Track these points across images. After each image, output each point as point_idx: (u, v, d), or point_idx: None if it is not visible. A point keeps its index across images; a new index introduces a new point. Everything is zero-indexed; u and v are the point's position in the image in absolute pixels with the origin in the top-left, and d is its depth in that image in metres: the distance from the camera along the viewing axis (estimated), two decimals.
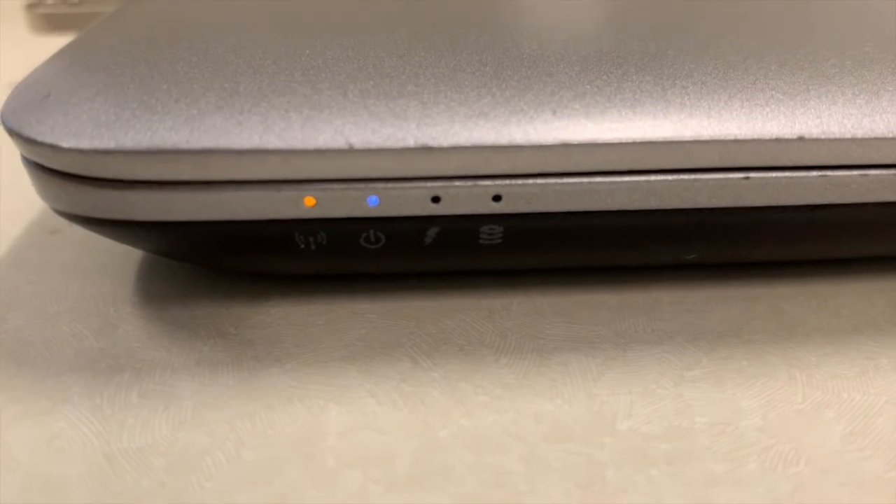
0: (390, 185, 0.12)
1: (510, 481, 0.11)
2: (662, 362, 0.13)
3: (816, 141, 0.12)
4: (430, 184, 0.12)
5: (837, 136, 0.13)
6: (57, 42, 0.14)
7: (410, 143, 0.12)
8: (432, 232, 0.13)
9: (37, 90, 0.13)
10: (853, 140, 0.13)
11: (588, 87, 0.13)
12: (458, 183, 0.12)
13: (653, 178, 0.13)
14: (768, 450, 0.12)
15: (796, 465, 0.12)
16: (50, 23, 0.28)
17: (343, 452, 0.12)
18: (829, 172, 0.13)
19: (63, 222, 0.17)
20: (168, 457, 0.12)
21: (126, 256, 0.16)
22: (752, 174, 0.13)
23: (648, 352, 0.13)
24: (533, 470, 0.11)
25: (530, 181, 0.12)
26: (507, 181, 0.12)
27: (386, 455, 0.12)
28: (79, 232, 0.16)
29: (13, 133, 0.12)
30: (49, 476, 0.11)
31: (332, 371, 0.13)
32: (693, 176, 0.13)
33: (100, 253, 0.16)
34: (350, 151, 0.12)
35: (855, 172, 0.13)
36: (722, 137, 0.12)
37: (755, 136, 0.12)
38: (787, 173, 0.13)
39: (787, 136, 0.12)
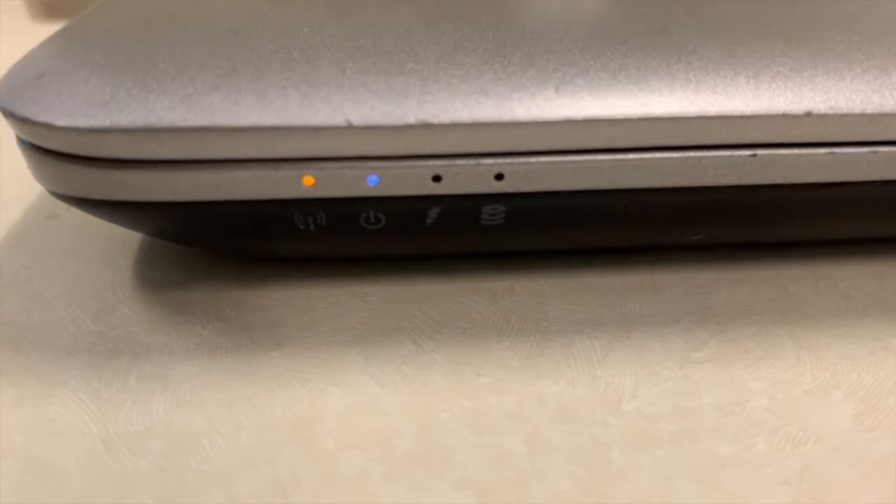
0: (390, 163, 0.12)
1: (513, 462, 0.11)
2: (668, 344, 0.13)
3: (824, 117, 0.12)
4: (430, 162, 0.12)
5: (846, 111, 0.12)
6: (56, 30, 0.14)
7: (410, 119, 0.12)
8: (433, 212, 0.13)
9: (31, 71, 0.13)
10: (862, 116, 0.12)
11: (592, 63, 0.12)
12: (459, 161, 0.12)
13: (658, 155, 0.12)
14: (776, 430, 0.12)
15: (805, 445, 0.11)
16: (49, 11, 0.28)
17: (343, 435, 0.12)
18: (837, 150, 0.13)
19: (61, 207, 0.16)
20: (166, 439, 0.11)
21: (125, 240, 0.15)
22: (759, 151, 0.12)
23: (653, 333, 0.13)
24: (536, 451, 0.11)
25: (533, 159, 0.12)
26: (509, 159, 0.12)
27: (387, 437, 0.12)
28: (77, 217, 0.16)
29: (7, 113, 0.12)
30: (46, 460, 0.11)
31: (333, 354, 0.13)
32: (699, 153, 0.12)
33: (98, 237, 0.16)
34: (349, 129, 0.12)
35: (864, 149, 0.13)
36: (728, 113, 0.12)
37: (762, 112, 0.12)
38: (795, 150, 0.13)
39: (794, 112, 0.12)
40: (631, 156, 0.12)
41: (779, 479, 0.11)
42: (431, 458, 0.11)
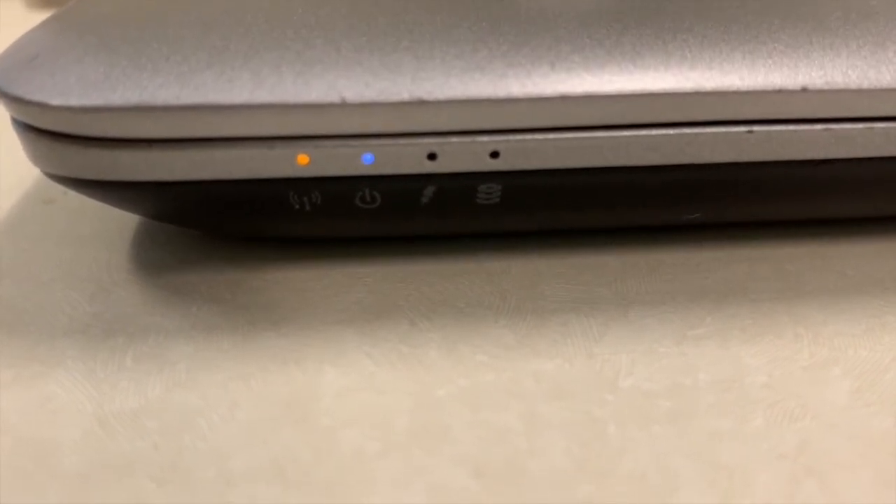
0: (385, 141, 0.12)
1: (509, 439, 0.11)
2: (665, 322, 0.13)
3: (820, 92, 0.12)
4: (425, 140, 0.12)
5: (842, 87, 0.12)
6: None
7: (405, 96, 0.12)
8: (429, 191, 0.13)
9: (25, 53, 0.13)
10: (858, 91, 0.12)
11: (587, 40, 0.12)
12: (454, 139, 0.12)
13: (654, 132, 0.12)
14: (774, 406, 0.12)
15: (802, 420, 0.11)
16: (46, 0, 0.28)
17: (339, 413, 0.12)
18: (833, 126, 0.13)
19: (57, 192, 0.16)
20: (161, 419, 0.11)
21: (121, 224, 0.15)
22: (755, 128, 0.12)
23: (650, 312, 0.13)
24: (532, 427, 0.11)
25: (528, 136, 0.12)
26: (504, 136, 0.12)
27: (383, 415, 0.11)
28: (74, 201, 0.16)
29: (1, 94, 0.12)
30: (41, 439, 0.11)
31: (329, 334, 0.13)
32: (695, 129, 0.12)
33: (94, 221, 0.16)
34: (343, 106, 0.12)
35: (860, 125, 0.13)
36: (724, 89, 0.12)
37: (758, 88, 0.12)
38: (791, 126, 0.12)
39: (790, 88, 0.12)
40: (627, 132, 0.12)
41: (776, 454, 0.11)
42: (428, 435, 0.11)
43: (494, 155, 0.12)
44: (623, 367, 0.12)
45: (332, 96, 0.12)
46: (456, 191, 0.13)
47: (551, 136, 0.12)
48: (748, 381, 0.12)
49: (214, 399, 0.12)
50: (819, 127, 0.12)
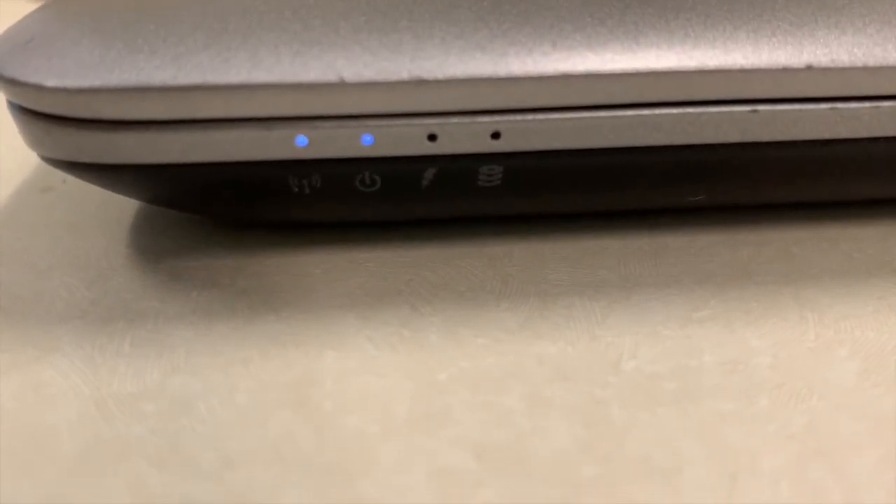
0: (384, 121, 0.12)
1: (512, 420, 0.11)
2: (669, 304, 0.13)
3: (825, 70, 0.12)
4: (425, 120, 0.12)
5: (847, 64, 0.12)
6: None
7: (404, 75, 0.11)
8: (429, 173, 0.13)
9: (20, 36, 0.13)
10: (864, 69, 0.12)
11: (589, 19, 0.12)
12: (454, 119, 0.12)
13: (657, 111, 0.12)
14: (780, 387, 0.11)
15: (809, 401, 0.11)
16: None
17: (340, 396, 0.11)
18: (839, 104, 0.12)
19: (55, 180, 0.16)
20: (159, 403, 0.11)
21: (119, 210, 0.15)
22: (760, 107, 0.12)
23: (654, 295, 0.13)
24: (535, 409, 0.11)
25: (530, 116, 0.12)
26: (505, 116, 0.12)
27: (384, 398, 0.11)
28: (72, 189, 0.16)
29: None
30: (37, 423, 0.11)
31: (330, 319, 0.13)
32: (699, 109, 0.12)
33: (93, 207, 0.15)
34: (342, 85, 0.11)
35: (866, 104, 0.12)
36: (728, 67, 0.12)
37: (762, 66, 0.12)
38: (796, 106, 0.12)
39: (794, 66, 0.12)
40: (629, 112, 0.12)
41: (783, 435, 0.11)
42: (429, 418, 0.11)
43: (496, 136, 0.12)
44: (626, 350, 0.12)
45: (331, 76, 0.11)
46: (457, 173, 0.13)
47: (553, 115, 0.12)
48: (753, 363, 0.12)
49: (214, 383, 0.12)
50: (824, 106, 0.12)
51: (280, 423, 0.11)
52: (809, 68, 0.12)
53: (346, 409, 0.11)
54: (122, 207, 0.15)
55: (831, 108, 0.12)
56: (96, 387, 0.12)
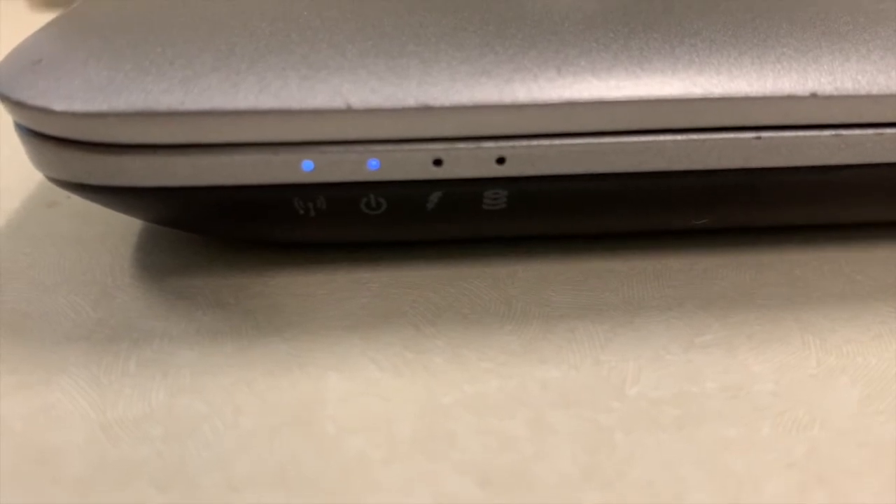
0: (390, 147, 0.12)
1: (515, 446, 0.11)
2: (672, 328, 0.13)
3: (829, 98, 0.12)
4: (431, 146, 0.12)
5: (851, 92, 0.12)
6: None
7: (411, 102, 0.12)
8: (434, 197, 0.13)
9: (28, 56, 0.13)
10: (868, 97, 0.12)
11: (594, 44, 0.12)
12: (460, 145, 0.12)
13: (661, 137, 0.12)
14: (782, 414, 0.11)
15: (811, 428, 0.11)
16: (48, 1, 0.28)
17: (344, 418, 0.11)
18: (843, 131, 0.12)
19: (61, 195, 0.16)
20: (165, 425, 0.11)
21: (125, 228, 0.15)
22: (764, 134, 0.12)
23: (657, 318, 0.13)
24: (539, 435, 0.11)
25: (535, 142, 0.12)
26: (510, 142, 0.12)
27: (388, 421, 0.11)
28: (77, 205, 0.16)
29: (4, 98, 0.12)
30: (44, 446, 0.11)
31: (334, 339, 0.13)
32: (703, 136, 0.12)
33: (98, 224, 0.15)
34: (348, 111, 0.11)
35: (870, 131, 0.13)
36: (732, 95, 0.12)
37: (767, 94, 0.12)
38: (800, 132, 0.12)
39: (799, 93, 0.12)
40: (634, 138, 0.12)
41: (785, 462, 0.11)
42: (433, 442, 0.11)
43: (500, 161, 0.12)
44: (630, 374, 0.12)
45: (338, 102, 0.11)
46: (462, 197, 0.13)
47: (558, 141, 0.12)
48: (756, 389, 0.12)
49: (218, 404, 0.12)
50: (828, 133, 0.12)
51: (284, 446, 0.11)
52: (814, 96, 0.12)
53: (350, 432, 0.11)
54: (127, 224, 0.15)
55: (835, 135, 0.12)
56: (102, 409, 0.12)
